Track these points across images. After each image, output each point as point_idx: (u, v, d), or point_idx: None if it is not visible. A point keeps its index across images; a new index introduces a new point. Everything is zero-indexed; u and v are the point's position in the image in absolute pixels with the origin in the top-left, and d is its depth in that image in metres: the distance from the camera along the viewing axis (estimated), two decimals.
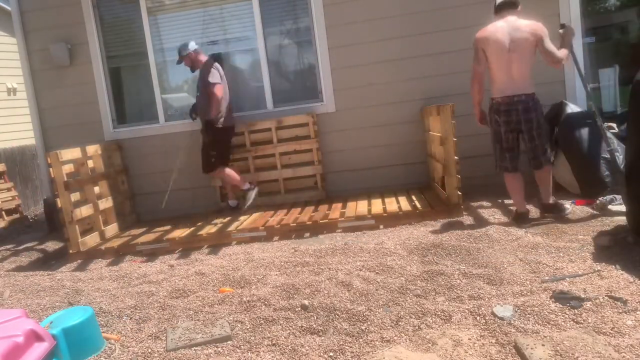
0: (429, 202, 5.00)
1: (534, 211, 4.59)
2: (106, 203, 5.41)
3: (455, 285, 3.04)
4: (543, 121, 4.21)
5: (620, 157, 4.33)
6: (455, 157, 4.59)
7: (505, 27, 4.11)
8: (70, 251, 4.87)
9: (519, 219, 4.29)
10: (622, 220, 3.71)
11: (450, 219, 4.57)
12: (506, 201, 5.03)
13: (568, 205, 4.35)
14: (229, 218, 5.42)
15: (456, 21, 5.59)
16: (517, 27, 4.10)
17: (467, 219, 4.57)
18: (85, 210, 5.05)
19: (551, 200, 4.36)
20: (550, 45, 4.07)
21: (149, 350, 2.67)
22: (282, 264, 3.76)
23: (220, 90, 5.34)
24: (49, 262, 5.07)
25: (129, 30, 6.22)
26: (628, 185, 3.42)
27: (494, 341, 2.37)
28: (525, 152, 4.29)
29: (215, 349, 2.60)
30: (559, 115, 5.06)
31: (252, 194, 5.51)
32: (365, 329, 2.60)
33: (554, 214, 4.29)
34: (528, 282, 2.97)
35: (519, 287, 2.91)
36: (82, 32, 6.05)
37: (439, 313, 2.68)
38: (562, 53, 4.14)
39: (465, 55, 5.58)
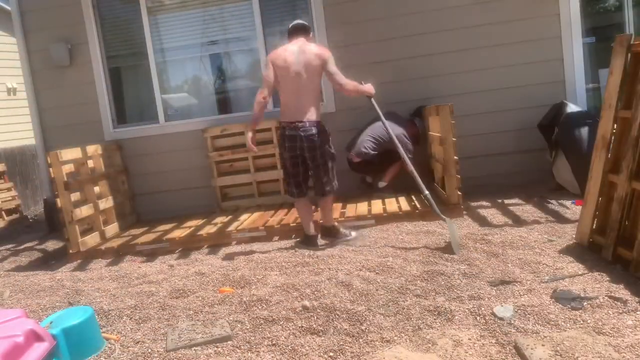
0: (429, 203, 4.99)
1: (533, 212, 4.59)
2: (106, 203, 5.41)
3: (455, 285, 3.04)
4: (328, 149, 4.11)
5: None
6: (455, 157, 4.59)
7: (295, 48, 4.04)
8: (70, 251, 4.87)
9: (306, 242, 4.23)
10: None
11: (450, 219, 4.56)
12: (506, 201, 5.04)
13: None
14: (229, 218, 5.42)
15: (456, 21, 5.60)
16: (303, 51, 4.01)
17: (467, 219, 4.57)
18: (85, 210, 5.05)
19: (330, 224, 4.29)
20: (334, 68, 4.01)
21: (149, 350, 2.67)
22: (282, 264, 3.76)
23: None
24: (49, 262, 5.07)
25: (129, 30, 6.22)
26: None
27: (494, 341, 2.37)
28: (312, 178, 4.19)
29: (215, 349, 2.60)
30: (559, 115, 5.07)
31: None
32: (365, 329, 2.60)
33: (331, 237, 4.25)
34: (528, 282, 2.97)
35: (519, 287, 2.91)
36: (82, 32, 6.05)
37: (439, 313, 2.68)
38: (349, 82, 4.08)
39: (465, 55, 5.61)
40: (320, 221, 4.37)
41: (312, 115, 4.01)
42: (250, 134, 4.19)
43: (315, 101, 4.05)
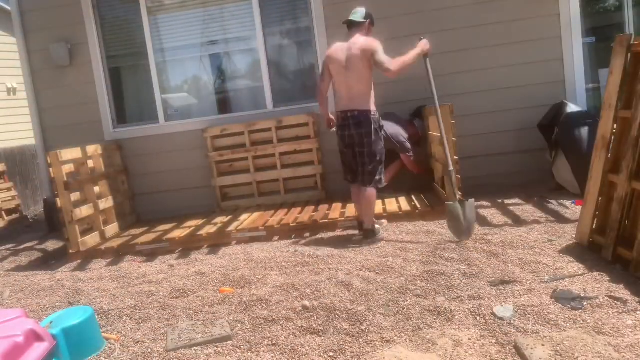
0: (429, 202, 5.00)
1: (533, 212, 4.59)
2: (106, 203, 5.41)
3: (455, 285, 3.04)
4: (376, 140, 4.15)
5: None
6: (455, 157, 4.58)
7: (345, 45, 4.21)
8: (70, 251, 4.87)
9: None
10: None
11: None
12: (506, 201, 5.03)
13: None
14: (229, 218, 5.42)
15: (456, 21, 5.59)
16: (350, 47, 4.16)
17: None
18: (85, 210, 5.05)
19: (369, 226, 4.24)
20: (381, 57, 4.06)
21: (149, 350, 2.67)
22: (282, 264, 3.76)
23: None
24: (49, 262, 5.06)
25: (129, 30, 6.22)
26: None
27: (494, 341, 2.37)
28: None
29: (215, 349, 2.60)
30: (559, 115, 5.07)
31: None
32: (365, 329, 2.61)
33: (367, 238, 4.19)
34: (528, 282, 2.97)
35: (519, 287, 2.91)
36: (82, 32, 6.05)
37: (439, 313, 2.68)
38: (394, 64, 4.08)
39: (465, 55, 5.61)
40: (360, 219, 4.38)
41: (360, 105, 4.15)
42: (325, 120, 4.49)
43: (363, 92, 4.15)
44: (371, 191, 4.21)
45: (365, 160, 4.16)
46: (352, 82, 4.15)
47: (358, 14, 4.28)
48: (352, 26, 4.27)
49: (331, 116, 4.43)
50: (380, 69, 4.11)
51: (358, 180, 4.28)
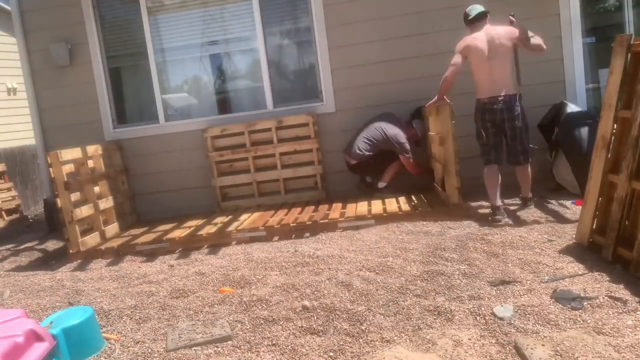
0: (429, 203, 5.00)
1: (533, 212, 4.59)
2: (106, 203, 5.41)
3: (455, 285, 3.04)
4: (523, 120, 4.49)
5: None
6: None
7: (484, 36, 4.49)
8: (70, 251, 4.87)
9: (494, 212, 4.46)
10: None
11: (450, 219, 4.57)
12: (506, 201, 5.03)
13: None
14: (229, 218, 5.42)
15: (456, 21, 5.58)
16: (492, 37, 4.44)
17: (467, 219, 4.56)
18: (85, 210, 5.05)
19: (528, 194, 4.77)
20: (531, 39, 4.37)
21: (149, 350, 2.67)
22: (282, 264, 3.76)
23: None
24: (49, 262, 5.07)
25: (129, 30, 6.22)
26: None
27: (494, 341, 2.37)
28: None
29: (215, 349, 2.61)
30: (559, 115, 5.07)
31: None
32: (365, 329, 2.61)
33: (527, 206, 4.73)
34: (528, 282, 2.97)
35: (519, 287, 2.91)
36: (82, 32, 6.05)
37: (439, 313, 2.68)
38: (538, 40, 4.39)
39: None
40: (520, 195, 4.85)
41: (509, 90, 4.45)
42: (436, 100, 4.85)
43: (510, 77, 4.47)
44: (527, 167, 4.59)
45: (519, 140, 4.46)
46: (499, 70, 4.42)
47: (478, 6, 4.56)
48: (481, 18, 4.52)
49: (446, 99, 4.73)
50: (534, 50, 4.40)
51: (504, 160, 4.57)
